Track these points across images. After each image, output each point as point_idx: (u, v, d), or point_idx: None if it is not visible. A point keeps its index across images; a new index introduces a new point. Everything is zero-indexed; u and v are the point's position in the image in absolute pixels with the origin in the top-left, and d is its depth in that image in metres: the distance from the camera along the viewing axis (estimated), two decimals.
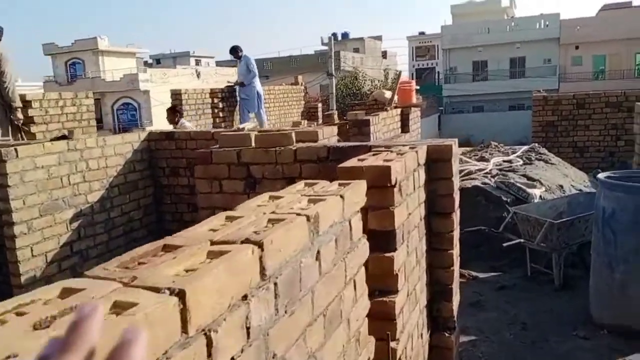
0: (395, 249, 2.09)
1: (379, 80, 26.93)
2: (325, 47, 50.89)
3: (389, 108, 7.86)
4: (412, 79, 49.41)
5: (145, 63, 50.05)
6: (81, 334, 0.35)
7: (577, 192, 6.36)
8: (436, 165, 2.66)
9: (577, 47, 36.71)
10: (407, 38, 50.91)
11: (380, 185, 2.02)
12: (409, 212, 2.29)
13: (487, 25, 38.54)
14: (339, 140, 7.55)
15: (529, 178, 6.25)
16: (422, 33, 51.81)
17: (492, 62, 39.38)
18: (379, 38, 55.93)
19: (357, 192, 1.59)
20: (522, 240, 4.12)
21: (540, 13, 38.62)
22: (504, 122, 34.10)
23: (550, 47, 36.92)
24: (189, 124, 6.55)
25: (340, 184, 1.62)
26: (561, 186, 6.26)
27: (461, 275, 4.74)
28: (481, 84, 39.01)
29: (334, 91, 20.99)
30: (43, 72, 38.66)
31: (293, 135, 3.02)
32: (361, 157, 2.27)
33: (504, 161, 7.34)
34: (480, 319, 4.01)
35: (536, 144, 8.44)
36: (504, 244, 4.16)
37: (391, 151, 2.45)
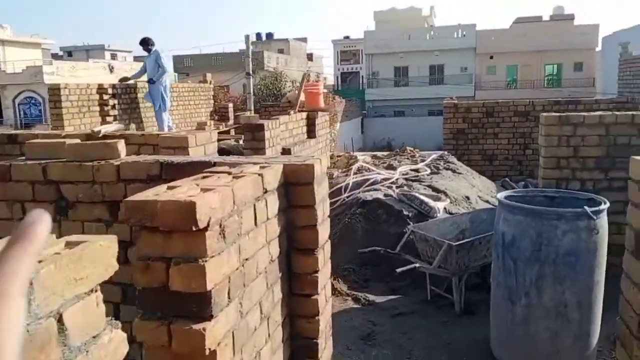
0: (210, 317, 1.46)
1: (300, 82, 26.38)
2: (250, 47, 49.96)
3: (292, 112, 7.28)
4: (337, 82, 49.89)
5: (56, 55, 46.77)
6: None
7: (484, 204, 6.08)
8: (295, 189, 2.06)
9: (491, 57, 38.21)
10: (332, 41, 51.14)
11: (184, 229, 1.39)
12: (244, 258, 1.67)
13: (408, 32, 39.26)
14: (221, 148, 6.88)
15: (434, 189, 5.88)
16: (347, 37, 52.28)
17: (412, 69, 40.19)
18: (304, 40, 55.76)
19: (79, 259, 0.94)
20: (417, 265, 3.66)
21: (458, 23, 39.87)
22: (424, 127, 34.88)
23: (467, 56, 38.19)
24: None
25: (68, 244, 0.96)
26: (467, 197, 5.95)
27: (356, 300, 4.22)
28: (402, 90, 39.70)
29: (252, 91, 20.27)
30: None
31: (120, 145, 2.31)
32: (173, 183, 1.62)
33: (411, 170, 6.97)
34: (369, 356, 3.48)
35: (445, 152, 8.19)
36: (397, 270, 3.69)
37: (229, 173, 1.83)
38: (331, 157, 10.57)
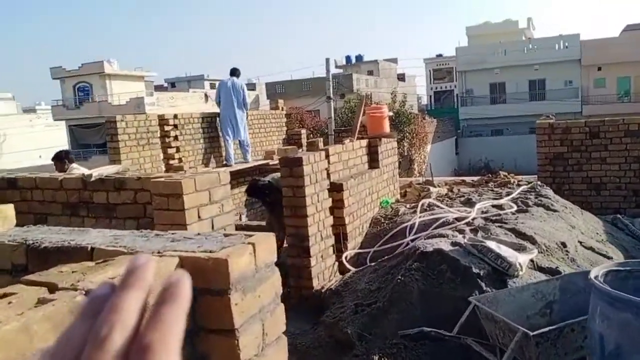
0: None
1: (386, 103, 25.45)
2: (340, 70, 50.43)
3: (348, 140, 6.43)
4: (430, 102, 48.55)
5: (160, 87, 49.90)
6: (138, 276, 0.37)
7: (587, 253, 4.80)
8: (202, 301, 1.20)
9: (599, 69, 34.89)
10: (423, 60, 50.08)
11: None
12: None
13: (504, 46, 37.02)
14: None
15: (518, 233, 4.71)
16: (439, 55, 51.01)
17: (510, 85, 37.82)
18: (394, 60, 54.88)
19: None
20: None
21: (559, 34, 36.92)
22: (525, 146, 32.54)
23: (571, 69, 35.17)
24: (81, 169, 5.08)
25: None
26: (563, 244, 4.70)
27: None
28: (499, 107, 37.45)
29: (333, 115, 19.74)
30: (57, 96, 38.78)
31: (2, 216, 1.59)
32: None
33: (492, 206, 5.80)
34: None
35: (538, 183, 6.88)
36: None
37: (54, 288, 1.01)
38: (407, 187, 9.54)
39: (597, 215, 7.07)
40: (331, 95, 19.11)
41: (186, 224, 3.08)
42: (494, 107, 37.43)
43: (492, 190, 6.91)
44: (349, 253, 5.25)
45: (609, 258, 4.82)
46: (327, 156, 5.35)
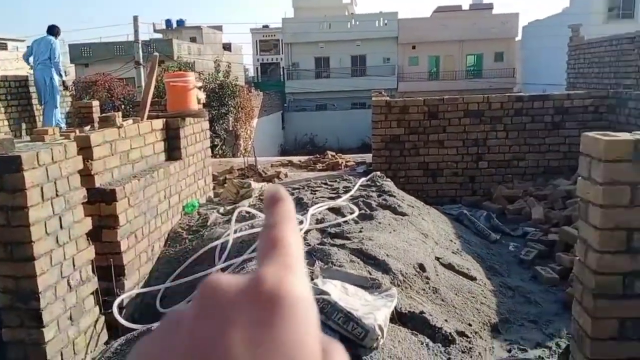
0: None
1: (209, 73, 23.23)
2: (159, 35, 46.01)
3: (131, 120, 4.54)
4: (257, 73, 47.21)
5: None
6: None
7: (448, 275, 3.73)
8: None
9: (414, 47, 36.89)
10: (250, 30, 48.65)
11: None
12: None
13: (328, 20, 37.06)
14: None
15: (367, 257, 3.40)
16: (265, 26, 49.98)
17: (334, 59, 38.28)
18: (219, 28, 52.19)
19: None
20: None
21: (379, 11, 38.12)
22: (347, 121, 33.49)
23: (389, 46, 36.64)
24: None
25: None
26: (422, 267, 3.52)
27: None
28: (324, 82, 37.71)
29: (142, 84, 17.10)
30: None
31: None
32: None
33: (330, 209, 4.47)
34: None
35: (378, 173, 5.76)
36: None
37: None
38: (227, 173, 7.88)
39: (435, 205, 6.28)
40: (140, 60, 16.42)
41: None
42: (319, 82, 37.53)
43: (326, 184, 5.62)
44: (124, 297, 3.45)
45: (471, 279, 3.80)
46: (88, 147, 3.43)
